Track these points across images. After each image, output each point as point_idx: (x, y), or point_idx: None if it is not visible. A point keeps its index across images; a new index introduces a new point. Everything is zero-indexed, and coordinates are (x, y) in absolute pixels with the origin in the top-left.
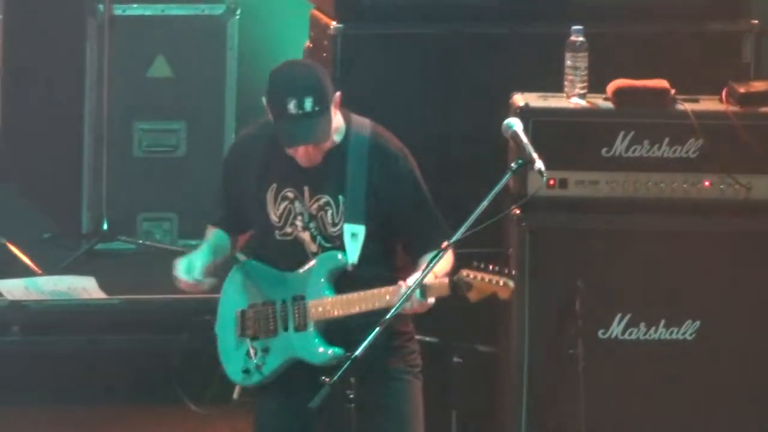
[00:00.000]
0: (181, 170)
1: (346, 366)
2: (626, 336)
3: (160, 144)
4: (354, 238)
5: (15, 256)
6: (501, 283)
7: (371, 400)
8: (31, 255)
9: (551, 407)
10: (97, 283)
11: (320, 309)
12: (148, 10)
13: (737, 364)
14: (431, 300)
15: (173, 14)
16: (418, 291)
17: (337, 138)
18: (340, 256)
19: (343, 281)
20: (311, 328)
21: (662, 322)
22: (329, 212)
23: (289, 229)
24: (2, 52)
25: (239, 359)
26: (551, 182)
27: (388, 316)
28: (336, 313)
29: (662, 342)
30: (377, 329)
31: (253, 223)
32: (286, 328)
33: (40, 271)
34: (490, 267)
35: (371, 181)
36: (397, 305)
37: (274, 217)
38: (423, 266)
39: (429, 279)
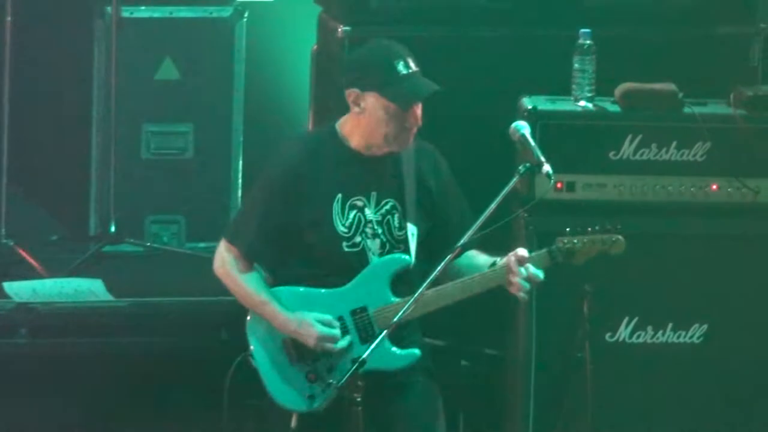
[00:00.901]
0: (189, 173)
1: (353, 369)
2: (634, 339)
3: (168, 146)
4: (413, 237)
5: (22, 258)
6: (612, 239)
7: (408, 402)
8: (38, 257)
9: (559, 410)
10: (104, 285)
11: (390, 315)
12: (156, 13)
13: (744, 366)
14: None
15: (181, 16)
16: (533, 267)
17: None
18: (401, 256)
19: (399, 282)
20: (381, 337)
21: (670, 326)
22: (396, 216)
23: (358, 239)
24: (10, 54)
25: (299, 386)
26: (559, 185)
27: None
28: (410, 316)
29: (670, 345)
30: (385, 332)
31: (308, 242)
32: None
33: (47, 274)
34: (588, 229)
35: (424, 183)
36: (403, 311)
37: (342, 228)
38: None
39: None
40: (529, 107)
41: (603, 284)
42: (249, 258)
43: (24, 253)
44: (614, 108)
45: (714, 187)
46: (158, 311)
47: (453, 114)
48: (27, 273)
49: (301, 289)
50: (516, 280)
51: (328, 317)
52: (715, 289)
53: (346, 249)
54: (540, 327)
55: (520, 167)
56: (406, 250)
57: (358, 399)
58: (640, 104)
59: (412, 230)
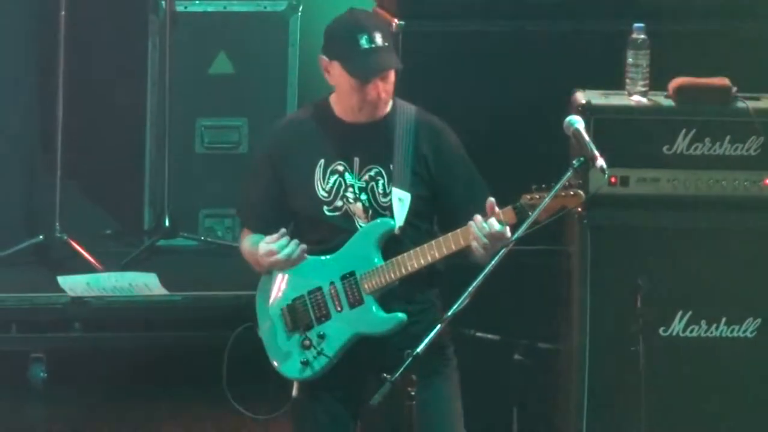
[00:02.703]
0: (243, 167)
1: (407, 363)
2: (687, 333)
3: (222, 140)
4: (401, 202)
5: (77, 253)
6: (571, 193)
7: (423, 391)
8: (93, 251)
9: (612, 405)
10: (158, 279)
11: (374, 279)
12: (210, 7)
13: None
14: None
15: (235, 10)
16: (496, 222)
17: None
18: (387, 220)
19: (390, 248)
20: (368, 301)
21: (723, 320)
22: (380, 182)
23: (339, 203)
24: (64, 49)
25: (295, 353)
26: (613, 180)
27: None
28: (391, 277)
29: (723, 339)
30: (438, 326)
31: (295, 208)
32: (340, 309)
33: (101, 268)
34: (552, 184)
35: (420, 152)
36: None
37: (322, 192)
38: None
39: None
40: (583, 102)
41: (657, 278)
42: (249, 226)
43: (78, 247)
44: (668, 102)
45: (767, 181)
46: (213, 305)
47: (507, 107)
48: (81, 267)
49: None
50: (473, 230)
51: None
52: None
53: (328, 213)
54: (594, 321)
55: (574, 161)
56: (392, 216)
57: (412, 393)
58: (693, 99)
59: (400, 195)
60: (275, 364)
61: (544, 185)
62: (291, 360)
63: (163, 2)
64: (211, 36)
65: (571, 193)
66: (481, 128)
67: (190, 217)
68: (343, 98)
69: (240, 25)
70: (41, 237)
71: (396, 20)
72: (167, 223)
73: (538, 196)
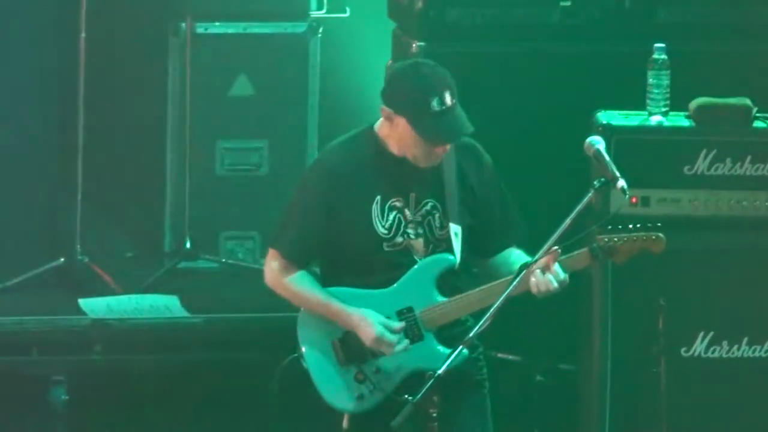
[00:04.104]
0: (264, 189)
1: (429, 384)
2: (709, 354)
3: (243, 162)
4: (456, 237)
5: (97, 275)
6: (653, 237)
7: (452, 414)
8: (113, 274)
9: (634, 426)
10: (179, 301)
11: (437, 315)
12: (230, 29)
13: None
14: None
15: (255, 32)
16: (559, 267)
17: None
18: (446, 256)
19: (446, 283)
20: (428, 337)
21: (745, 340)
22: (436, 215)
23: (399, 239)
24: (84, 71)
25: (348, 387)
26: (633, 200)
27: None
28: (458, 314)
29: (745, 360)
30: (459, 347)
31: (344, 245)
32: None
33: (122, 290)
34: (630, 226)
35: (467, 182)
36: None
37: (382, 230)
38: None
39: (566, 255)
40: (604, 122)
41: (678, 299)
42: (292, 261)
43: (99, 270)
44: (688, 123)
45: None
46: (233, 327)
47: (528, 129)
48: (102, 289)
49: (349, 290)
50: (542, 277)
51: (393, 323)
52: None
53: (387, 249)
54: (615, 341)
55: (595, 182)
56: (449, 250)
57: (434, 414)
58: (714, 119)
59: (455, 230)
60: (325, 396)
61: (619, 226)
62: (344, 393)
63: (184, 24)
64: (232, 58)
65: (653, 237)
66: (500, 149)
67: (211, 240)
68: (405, 148)
69: (260, 47)
70: (62, 260)
71: (416, 42)
72: (188, 246)
73: (617, 238)
